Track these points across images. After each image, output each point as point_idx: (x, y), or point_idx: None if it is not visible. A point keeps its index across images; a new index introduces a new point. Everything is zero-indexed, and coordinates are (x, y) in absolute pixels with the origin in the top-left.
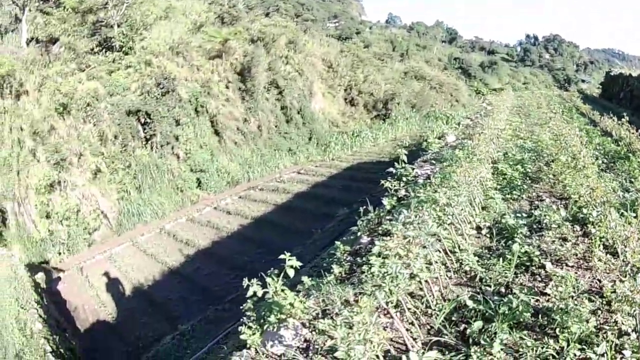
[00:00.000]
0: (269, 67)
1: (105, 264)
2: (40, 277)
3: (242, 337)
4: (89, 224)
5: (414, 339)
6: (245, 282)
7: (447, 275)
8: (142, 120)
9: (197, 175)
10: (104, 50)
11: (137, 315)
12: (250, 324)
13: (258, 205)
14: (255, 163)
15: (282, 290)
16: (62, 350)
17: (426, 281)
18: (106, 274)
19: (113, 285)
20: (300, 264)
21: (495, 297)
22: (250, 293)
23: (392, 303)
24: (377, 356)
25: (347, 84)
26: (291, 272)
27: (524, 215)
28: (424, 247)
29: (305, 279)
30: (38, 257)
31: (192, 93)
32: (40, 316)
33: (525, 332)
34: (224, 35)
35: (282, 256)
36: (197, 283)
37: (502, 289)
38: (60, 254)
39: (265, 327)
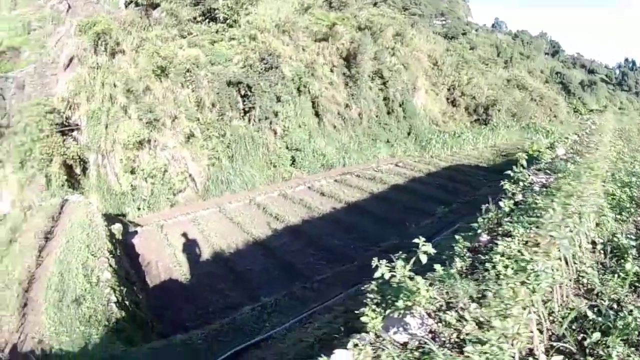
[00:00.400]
0: (375, 56)
1: (188, 225)
2: (116, 228)
3: (362, 319)
4: (175, 185)
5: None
6: (375, 261)
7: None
8: (242, 93)
9: (293, 154)
10: (207, 20)
11: (214, 280)
12: (374, 307)
13: (353, 190)
14: (352, 149)
15: (411, 278)
16: (127, 302)
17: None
18: (187, 235)
19: (192, 246)
20: (434, 250)
21: (610, 312)
22: (377, 274)
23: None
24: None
25: (451, 84)
26: (424, 258)
27: (632, 237)
28: (546, 253)
29: (437, 267)
30: (115, 210)
31: (295, 72)
32: (111, 266)
33: (633, 349)
34: (331, 19)
35: (414, 241)
36: (282, 258)
37: (615, 305)
38: (139, 209)
39: (387, 313)
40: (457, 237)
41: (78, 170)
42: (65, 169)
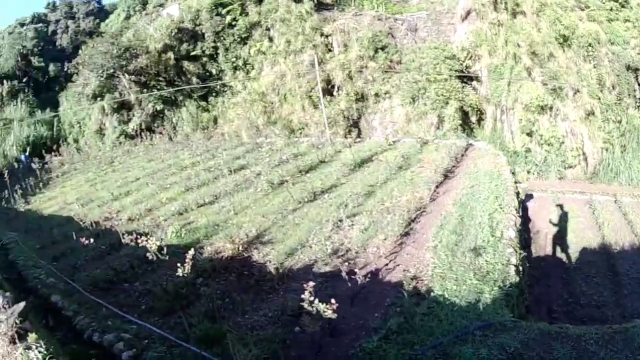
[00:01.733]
0: None
1: (583, 206)
2: (522, 187)
3: None
4: (567, 159)
5: None
6: None
7: None
8: None
9: None
10: None
11: (593, 274)
12: None
13: None
14: None
15: None
16: (521, 267)
17: None
18: (580, 215)
19: (583, 230)
20: None
21: None
22: None
23: None
24: None
25: None
26: None
27: None
28: None
29: None
30: None
31: None
32: (515, 225)
33: None
34: None
35: None
36: None
37: None
38: (529, 172)
39: None
40: None
41: (473, 119)
42: (461, 114)
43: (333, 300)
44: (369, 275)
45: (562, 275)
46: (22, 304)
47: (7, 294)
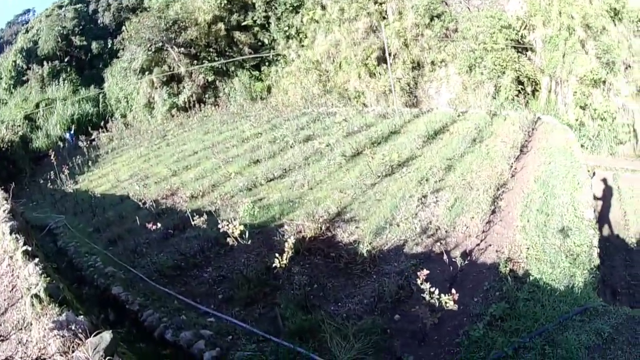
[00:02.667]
0: None
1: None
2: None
3: None
4: (618, 135)
5: None
6: None
7: None
8: None
9: None
10: None
11: None
12: None
13: None
14: None
15: None
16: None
17: None
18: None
19: None
20: None
21: None
22: None
23: None
24: None
25: None
26: None
27: None
28: None
29: None
30: None
31: None
32: (593, 205)
33: None
34: None
35: None
36: None
37: None
38: (582, 146)
39: None
40: None
41: (529, 90)
42: (517, 84)
43: (454, 291)
44: (463, 257)
45: (624, 256)
46: (108, 336)
47: (81, 318)
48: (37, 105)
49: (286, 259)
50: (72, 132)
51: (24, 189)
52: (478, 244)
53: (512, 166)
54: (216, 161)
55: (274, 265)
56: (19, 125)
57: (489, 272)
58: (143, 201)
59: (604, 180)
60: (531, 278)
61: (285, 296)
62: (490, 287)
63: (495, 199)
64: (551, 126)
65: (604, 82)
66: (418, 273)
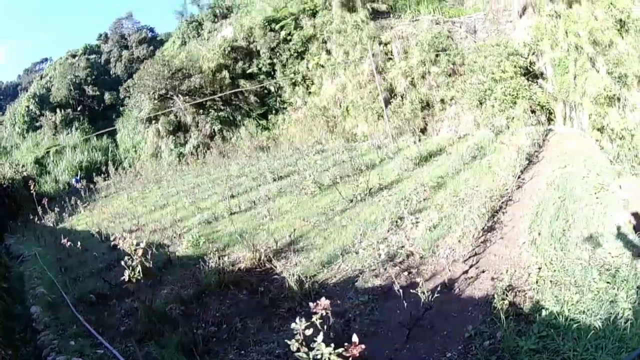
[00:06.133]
0: None
1: None
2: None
3: None
4: (639, 154)
5: None
6: None
7: None
8: None
9: None
10: None
11: None
12: None
13: None
14: None
15: None
16: None
17: None
18: None
19: None
20: None
21: None
22: None
23: None
24: None
25: None
26: None
27: None
28: None
29: None
30: None
31: None
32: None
33: None
34: None
35: None
36: None
37: None
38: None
39: None
40: None
41: (543, 119)
42: (529, 114)
43: (356, 338)
44: (439, 289)
45: None
46: None
47: None
48: (48, 151)
49: (138, 273)
50: (78, 177)
51: (20, 225)
52: (465, 271)
53: (518, 176)
54: (193, 199)
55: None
56: (24, 166)
57: (477, 309)
58: (105, 236)
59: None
60: (544, 313)
61: (176, 336)
62: (476, 334)
63: (495, 213)
64: (566, 135)
65: (619, 98)
66: (315, 306)
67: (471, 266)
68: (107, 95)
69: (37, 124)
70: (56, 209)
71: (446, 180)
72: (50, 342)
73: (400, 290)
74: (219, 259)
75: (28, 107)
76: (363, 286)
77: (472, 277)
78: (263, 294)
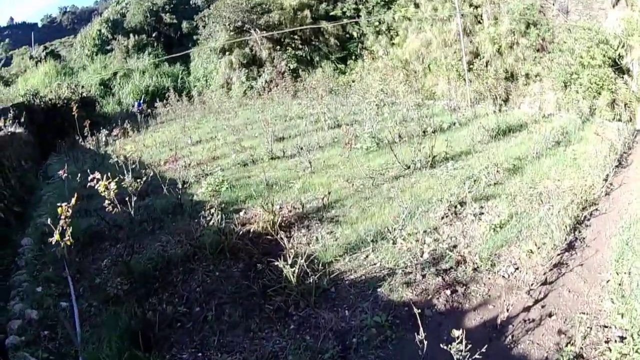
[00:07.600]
0: None
1: None
2: None
3: None
4: None
5: None
6: None
7: None
8: None
9: None
10: None
11: None
12: None
13: None
14: None
15: None
16: None
17: None
18: None
19: None
20: None
21: None
22: None
23: None
24: None
25: None
26: None
27: None
28: None
29: None
30: None
31: None
32: None
33: None
34: None
35: None
36: None
37: None
38: None
39: None
40: None
41: (624, 117)
42: (612, 108)
43: None
44: (484, 329)
45: None
46: None
47: None
48: (115, 74)
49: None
50: (140, 101)
51: (67, 145)
52: (527, 308)
53: (606, 179)
54: (241, 136)
55: None
56: (83, 87)
57: None
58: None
59: None
60: None
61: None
62: None
63: (578, 225)
64: None
65: None
66: None
67: (536, 301)
68: (184, 24)
69: (108, 47)
70: (104, 132)
71: (524, 164)
72: (20, 284)
73: (419, 337)
74: (227, 215)
75: (100, 30)
76: (386, 297)
77: (533, 320)
78: (257, 276)
